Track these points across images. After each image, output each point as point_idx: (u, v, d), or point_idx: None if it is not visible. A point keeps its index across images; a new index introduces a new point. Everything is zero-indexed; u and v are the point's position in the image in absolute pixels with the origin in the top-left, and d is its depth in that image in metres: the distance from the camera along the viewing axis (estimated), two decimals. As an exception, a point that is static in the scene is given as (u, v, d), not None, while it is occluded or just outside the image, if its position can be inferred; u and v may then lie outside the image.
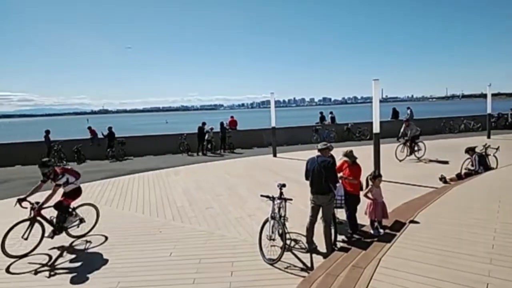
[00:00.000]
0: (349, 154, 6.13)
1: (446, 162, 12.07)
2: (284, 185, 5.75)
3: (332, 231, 5.50)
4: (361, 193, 6.05)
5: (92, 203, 7.21)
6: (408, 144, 13.28)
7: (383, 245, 5.20)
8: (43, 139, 17.45)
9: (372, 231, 5.85)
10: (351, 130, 21.74)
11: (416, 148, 13.23)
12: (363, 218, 6.10)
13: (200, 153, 18.37)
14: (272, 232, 5.26)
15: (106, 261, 5.41)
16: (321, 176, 5.28)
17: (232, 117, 21.77)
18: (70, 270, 5.17)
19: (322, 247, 5.43)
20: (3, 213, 8.60)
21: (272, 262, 5.03)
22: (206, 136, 18.73)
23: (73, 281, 4.83)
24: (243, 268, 4.97)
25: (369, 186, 6.03)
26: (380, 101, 10.40)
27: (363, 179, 6.18)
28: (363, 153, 8.69)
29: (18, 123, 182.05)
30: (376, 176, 6.05)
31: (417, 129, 13.43)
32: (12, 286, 4.83)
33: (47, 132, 17.41)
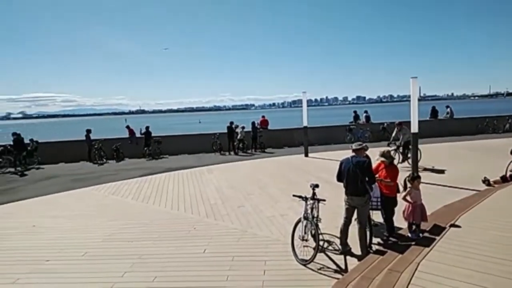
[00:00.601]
0: (386, 155, 5.94)
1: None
2: (317, 186, 5.69)
3: (368, 233, 5.37)
4: (399, 196, 5.85)
5: None
6: (400, 150, 11.95)
7: (421, 249, 5.01)
8: (84, 138, 18.38)
9: (410, 235, 5.65)
10: (387, 129, 21.06)
11: (409, 155, 11.47)
12: (400, 220, 5.91)
13: (231, 152, 18.58)
14: (305, 233, 5.22)
15: (143, 255, 5.62)
16: (356, 177, 5.17)
17: (263, 116, 21.81)
18: (106, 263, 5.42)
19: (356, 250, 5.32)
20: (55, 206, 9.18)
21: (305, 262, 5.00)
22: (239, 136, 18.91)
23: (110, 273, 5.06)
24: (275, 267, 4.98)
25: (408, 188, 5.83)
26: (418, 100, 10.00)
27: (400, 181, 5.98)
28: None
29: (61, 122, 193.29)
30: (415, 178, 5.83)
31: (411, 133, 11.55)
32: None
33: (88, 131, 18.30)
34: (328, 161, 13.79)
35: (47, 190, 11.37)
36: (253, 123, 19.60)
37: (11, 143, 16.67)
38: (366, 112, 22.90)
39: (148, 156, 18.34)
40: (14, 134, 16.80)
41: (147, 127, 19.11)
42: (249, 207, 8.12)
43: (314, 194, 5.57)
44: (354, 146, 5.51)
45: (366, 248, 5.27)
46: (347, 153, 5.75)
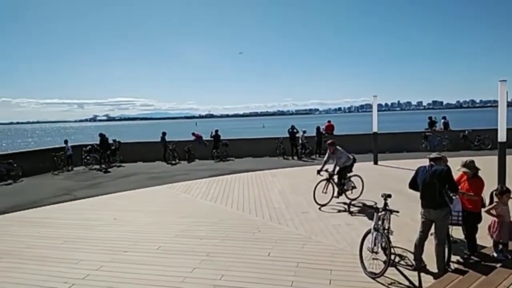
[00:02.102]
0: (469, 165, 5.35)
1: None
2: (389, 196, 5.38)
3: (446, 250, 4.92)
4: (483, 210, 5.27)
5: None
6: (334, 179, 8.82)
7: (509, 272, 4.44)
8: (159, 140, 19.80)
9: (495, 254, 5.05)
10: (468, 137, 19.16)
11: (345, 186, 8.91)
12: (484, 238, 5.31)
13: (295, 157, 18.46)
14: (375, 245, 4.96)
15: (211, 253, 5.85)
16: (433, 187, 4.76)
17: (329, 121, 21.33)
18: (178, 257, 5.73)
19: (432, 267, 4.90)
20: (133, 201, 10.01)
21: (374, 276, 4.75)
22: (300, 140, 18.75)
23: (181, 268, 5.34)
24: (342, 278, 4.81)
25: (494, 203, 5.21)
26: (507, 105, 8.92)
27: (485, 195, 5.37)
28: (484, 164, 7.63)
29: (140, 125, 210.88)
30: (504, 192, 5.19)
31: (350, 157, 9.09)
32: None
33: (164, 133, 19.68)
34: (399, 170, 12.99)
35: (127, 186, 12.47)
36: (317, 128, 19.28)
37: (98, 142, 18.64)
38: (444, 118, 21.07)
39: (216, 158, 19.11)
40: (100, 134, 18.77)
41: (216, 131, 19.93)
42: (314, 214, 7.98)
43: (386, 204, 5.27)
44: (432, 155, 5.09)
45: (444, 266, 4.83)
46: (422, 162, 5.35)
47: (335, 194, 8.72)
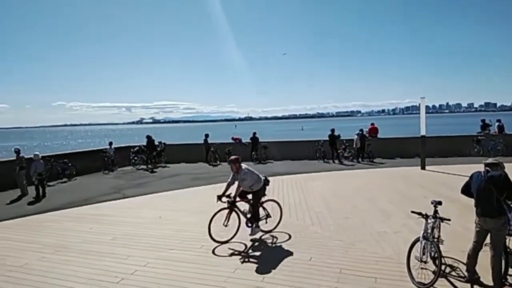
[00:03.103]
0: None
1: None
2: (440, 203, 5.10)
3: (502, 262, 4.56)
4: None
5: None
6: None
7: None
8: (202, 142, 20.33)
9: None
10: (526, 142, 17.67)
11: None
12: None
13: (335, 161, 18.09)
14: (423, 254, 4.73)
15: (251, 255, 5.90)
16: (490, 195, 4.45)
17: (372, 124, 20.67)
18: (220, 257, 5.83)
19: (486, 279, 4.58)
20: (177, 201, 10.37)
21: (423, 286, 4.52)
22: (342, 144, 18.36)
23: (223, 267, 5.43)
24: (388, 287, 4.64)
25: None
26: None
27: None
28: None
29: (183, 127, 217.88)
30: None
31: None
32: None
33: (206, 135, 20.18)
34: (449, 175, 12.30)
35: (171, 186, 12.93)
36: (360, 131, 18.76)
37: (145, 144, 19.52)
38: (499, 121, 19.59)
39: (255, 160, 19.25)
40: (147, 136, 19.63)
41: (254, 133, 20.08)
42: (357, 219, 7.77)
43: (436, 212, 5.01)
44: (488, 160, 4.76)
45: (500, 279, 4.49)
46: (474, 168, 5.01)
47: (244, 225, 6.83)
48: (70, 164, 15.86)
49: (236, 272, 5.26)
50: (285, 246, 6.27)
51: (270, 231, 7.02)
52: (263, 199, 7.07)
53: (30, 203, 11.08)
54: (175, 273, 5.32)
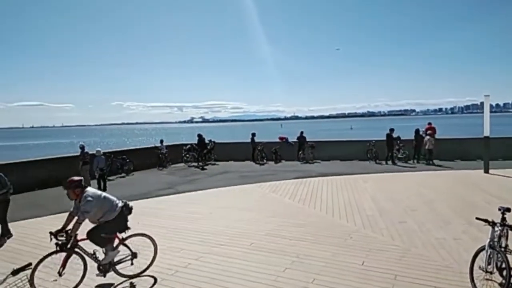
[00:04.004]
0: None
1: None
2: (508, 209, 4.68)
3: None
4: None
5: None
6: None
7: None
8: (248, 140, 20.59)
9: None
10: None
11: None
12: None
13: (389, 162, 17.31)
14: (489, 264, 4.37)
15: (301, 255, 5.85)
16: None
17: (429, 123, 19.43)
18: (270, 256, 5.87)
19: None
20: (226, 198, 10.63)
21: (488, 299, 4.19)
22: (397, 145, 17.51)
23: (273, 266, 5.46)
24: (448, 298, 4.36)
25: None
26: None
27: None
28: None
29: (230, 126, 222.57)
30: None
31: None
32: None
33: (253, 134, 20.40)
34: (517, 180, 11.21)
35: (220, 183, 13.27)
36: (417, 131, 17.76)
37: (196, 142, 20.22)
38: None
39: (302, 159, 19.08)
40: (198, 135, 20.31)
41: (301, 132, 19.89)
42: (413, 224, 7.39)
43: (504, 219, 4.61)
44: None
45: None
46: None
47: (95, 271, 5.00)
48: (128, 160, 16.91)
49: (286, 271, 5.26)
50: (336, 248, 6.14)
51: (137, 275, 5.23)
52: (126, 233, 5.23)
53: (93, 196, 11.99)
54: (226, 268, 5.45)
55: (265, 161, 19.40)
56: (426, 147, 16.76)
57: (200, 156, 19.78)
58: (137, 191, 12.35)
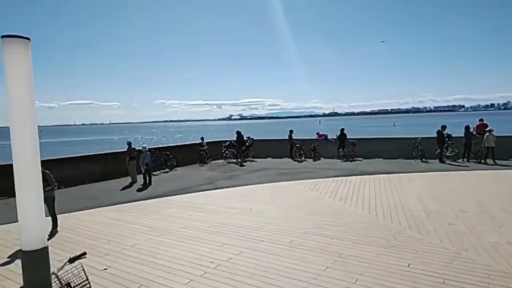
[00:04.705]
0: None
1: None
2: None
3: None
4: None
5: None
6: None
7: None
8: (286, 137, 20.50)
9: None
10: None
11: None
12: None
13: (443, 160, 16.39)
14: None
15: (342, 254, 5.75)
16: None
17: (481, 120, 18.19)
18: (310, 254, 5.82)
19: None
20: (265, 194, 10.69)
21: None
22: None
23: (313, 265, 5.41)
24: (504, 306, 4.08)
25: None
26: None
27: None
28: None
29: (267, 123, 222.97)
30: None
31: None
32: None
33: (291, 131, 20.28)
34: None
35: (259, 180, 13.37)
36: (467, 128, 16.68)
37: (235, 139, 20.50)
38: None
39: (342, 157, 18.68)
40: (237, 132, 20.59)
41: (342, 129, 19.44)
42: (463, 226, 6.97)
43: None
44: None
45: None
46: None
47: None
48: (171, 156, 17.55)
49: (327, 270, 5.19)
50: (379, 249, 5.96)
51: None
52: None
53: (139, 190, 12.62)
54: (266, 264, 5.49)
55: (303, 158, 19.24)
56: (486, 144, 15.67)
57: (238, 152, 20.02)
58: (179, 186, 12.80)
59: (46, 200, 7.04)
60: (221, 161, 19.98)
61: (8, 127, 2.83)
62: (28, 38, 2.86)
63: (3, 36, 2.79)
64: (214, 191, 11.68)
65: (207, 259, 5.78)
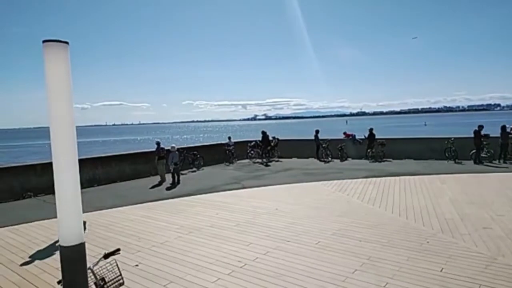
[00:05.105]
0: None
1: None
2: None
3: None
4: None
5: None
6: None
7: None
8: (311, 137, 20.28)
9: None
10: None
11: None
12: None
13: (483, 161, 15.67)
14: None
15: (372, 257, 5.62)
16: None
17: (520, 119, 17.25)
18: (337, 256, 5.74)
19: None
20: (291, 194, 10.65)
21: None
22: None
23: (341, 267, 5.33)
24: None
25: None
26: None
27: None
28: None
29: (293, 123, 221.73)
30: None
31: None
32: None
33: (317, 131, 20.05)
34: None
35: (285, 180, 13.33)
36: (503, 128, 15.86)
37: (260, 139, 20.55)
38: None
39: (370, 158, 18.27)
40: (262, 132, 20.63)
41: (371, 129, 19.01)
42: (499, 230, 6.65)
43: None
44: None
45: None
46: None
47: None
48: (198, 156, 17.85)
49: (355, 273, 5.10)
50: (410, 252, 5.78)
51: None
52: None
53: (167, 188, 12.92)
54: (293, 265, 5.46)
55: (330, 158, 18.98)
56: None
57: (264, 152, 20.05)
58: (207, 185, 12.99)
59: None
60: (247, 160, 20.08)
61: (47, 127, 2.98)
62: (66, 42, 3.00)
63: (44, 41, 2.94)
64: (240, 190, 11.77)
65: (234, 258, 5.83)
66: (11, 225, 8.33)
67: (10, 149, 62.49)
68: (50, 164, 3.02)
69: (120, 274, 3.81)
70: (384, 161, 17.69)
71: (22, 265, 5.98)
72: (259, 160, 19.73)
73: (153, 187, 13.39)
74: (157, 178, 14.53)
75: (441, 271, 5.04)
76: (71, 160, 2.91)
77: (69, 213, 2.89)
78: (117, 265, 3.84)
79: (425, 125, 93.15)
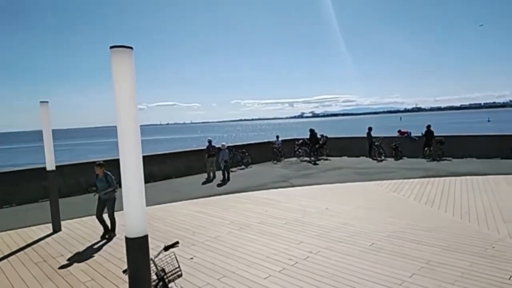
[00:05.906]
0: None
1: None
2: None
3: None
4: None
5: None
6: None
7: None
8: (363, 135, 19.61)
9: None
10: None
11: None
12: None
13: None
14: None
15: (431, 261, 5.33)
16: None
17: None
18: (393, 259, 5.51)
19: None
20: (341, 194, 10.43)
21: None
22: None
23: (398, 270, 5.11)
24: None
25: None
26: None
27: None
28: None
29: (342, 120, 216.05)
30: None
31: None
32: None
33: (370, 129, 19.32)
34: None
35: (334, 179, 13.05)
36: None
37: (308, 137, 20.31)
38: None
39: (428, 156, 17.23)
40: (310, 130, 20.37)
41: (429, 126, 17.92)
42: None
43: None
44: None
45: None
46: None
47: None
48: (247, 154, 18.13)
49: (413, 277, 4.86)
50: (474, 258, 5.38)
51: None
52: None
53: (218, 185, 13.30)
54: (346, 266, 5.35)
55: (383, 157, 18.22)
56: None
57: (312, 150, 19.79)
58: (255, 182, 13.16)
59: (107, 201, 7.37)
60: (294, 159, 19.97)
61: (114, 127, 3.23)
62: (131, 48, 3.22)
63: (111, 47, 3.19)
64: (288, 188, 11.76)
65: (285, 256, 5.85)
66: (78, 217, 9.08)
67: (74, 147, 68.15)
68: (112, 161, 3.26)
69: (179, 266, 4.01)
70: (443, 160, 16.58)
71: (88, 254, 6.53)
72: (307, 159, 19.52)
73: (204, 183, 13.86)
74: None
75: (509, 279, 4.65)
76: (136, 157, 3.12)
77: (134, 207, 3.11)
78: (175, 257, 4.05)
79: (489, 121, 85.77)
